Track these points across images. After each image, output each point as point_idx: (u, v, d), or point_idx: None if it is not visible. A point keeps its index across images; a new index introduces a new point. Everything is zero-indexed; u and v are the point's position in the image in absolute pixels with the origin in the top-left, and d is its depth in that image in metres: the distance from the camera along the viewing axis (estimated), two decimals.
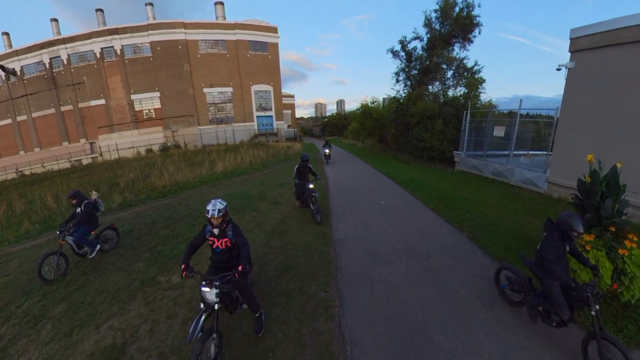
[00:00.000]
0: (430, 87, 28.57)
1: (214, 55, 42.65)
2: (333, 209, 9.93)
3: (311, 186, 8.91)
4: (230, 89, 44.06)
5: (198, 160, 24.10)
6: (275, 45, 46.42)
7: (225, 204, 4.17)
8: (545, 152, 13.89)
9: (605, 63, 10.15)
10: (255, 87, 45.45)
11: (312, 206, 8.84)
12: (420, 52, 28.38)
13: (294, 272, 5.96)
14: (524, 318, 4.50)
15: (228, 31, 42.48)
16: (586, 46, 10.56)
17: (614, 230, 5.03)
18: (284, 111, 51.68)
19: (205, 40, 42.03)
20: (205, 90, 43.08)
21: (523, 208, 10.03)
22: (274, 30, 45.70)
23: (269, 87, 46.60)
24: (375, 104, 36.01)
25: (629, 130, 9.34)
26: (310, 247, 7.09)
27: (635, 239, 4.91)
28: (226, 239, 4.24)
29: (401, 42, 29.08)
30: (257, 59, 44.78)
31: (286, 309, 4.87)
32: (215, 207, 4.05)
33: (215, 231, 4.19)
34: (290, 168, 19.45)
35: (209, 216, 4.02)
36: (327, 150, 19.49)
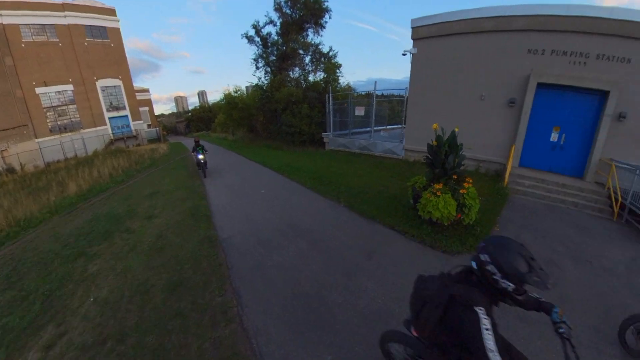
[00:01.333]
0: (290, 72, 29.32)
1: (44, 45, 33.47)
2: (214, 208, 9.55)
3: None
4: (70, 87, 35.38)
5: (42, 184, 19.43)
6: (117, 30, 39.09)
7: None
8: (400, 126, 16.66)
9: (441, 50, 12.53)
10: (101, 82, 37.72)
11: None
12: (276, 38, 28.71)
13: (183, 288, 5.46)
14: (398, 266, 5.62)
15: (56, 13, 33.80)
16: (425, 35, 12.78)
17: (455, 177, 6.99)
18: (141, 109, 44.77)
19: (29, 24, 32.46)
20: (39, 90, 33.36)
21: (387, 173, 11.91)
22: (111, 12, 38.25)
23: (117, 82, 39.29)
24: (239, 92, 35.11)
25: (460, 106, 12.26)
26: (196, 255, 6.61)
27: (470, 180, 7.04)
28: None
29: (254, 26, 28.84)
30: (97, 47, 37.10)
31: (182, 331, 4.46)
32: None
33: None
34: (159, 174, 17.22)
35: None
36: (201, 156, 14.11)
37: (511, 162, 10.66)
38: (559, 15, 10.16)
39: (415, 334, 2.62)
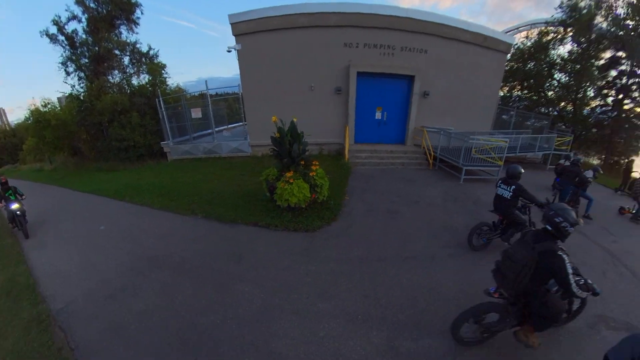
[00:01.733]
0: (110, 77, 25.34)
1: None
2: (40, 272, 6.57)
3: None
4: None
5: None
6: None
7: None
8: (241, 123, 16.46)
9: (265, 45, 12.66)
10: None
11: None
12: (84, 36, 24.25)
13: None
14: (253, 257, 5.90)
15: None
16: (246, 30, 12.55)
17: (303, 163, 7.59)
18: None
19: None
20: None
21: (238, 172, 11.73)
22: None
23: None
24: (50, 106, 28.24)
25: (294, 97, 12.96)
26: (21, 351, 4.33)
27: (317, 163, 7.85)
28: None
29: (56, 22, 23.53)
30: None
31: None
32: None
33: None
34: None
35: None
36: (15, 206, 8.46)
37: (348, 140, 12.20)
38: (366, 13, 11.91)
39: (496, 296, 3.49)
